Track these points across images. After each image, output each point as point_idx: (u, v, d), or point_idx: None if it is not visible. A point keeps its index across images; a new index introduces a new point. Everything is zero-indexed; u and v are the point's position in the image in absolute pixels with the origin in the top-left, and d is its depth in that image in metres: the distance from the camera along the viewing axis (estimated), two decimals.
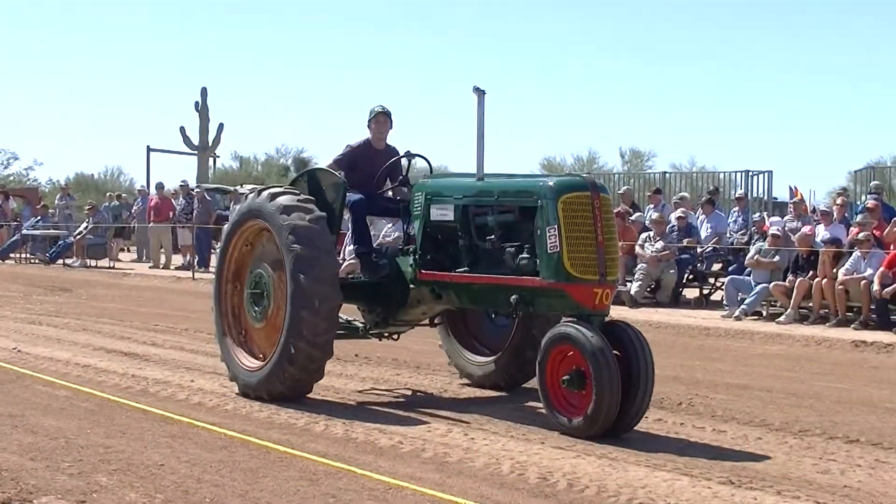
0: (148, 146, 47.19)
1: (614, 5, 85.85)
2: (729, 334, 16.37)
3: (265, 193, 10.03)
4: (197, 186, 32.63)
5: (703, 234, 20.99)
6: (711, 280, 20.69)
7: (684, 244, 20.23)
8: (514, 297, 9.08)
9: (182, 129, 47.26)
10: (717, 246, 20.76)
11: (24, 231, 33.28)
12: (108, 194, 38.55)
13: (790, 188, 27.41)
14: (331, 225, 9.84)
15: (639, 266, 19.90)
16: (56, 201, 36.88)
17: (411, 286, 10.05)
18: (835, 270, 17.01)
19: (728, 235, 21.22)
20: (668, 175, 32.59)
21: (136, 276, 27.46)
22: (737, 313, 17.87)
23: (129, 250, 35.12)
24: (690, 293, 20.65)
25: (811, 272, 17.31)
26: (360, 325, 10.77)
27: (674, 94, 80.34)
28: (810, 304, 17.30)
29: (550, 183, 9.01)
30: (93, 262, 30.55)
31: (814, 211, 21.83)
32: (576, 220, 8.74)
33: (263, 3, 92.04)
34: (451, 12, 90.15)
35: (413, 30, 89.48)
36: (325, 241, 9.60)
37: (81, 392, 10.25)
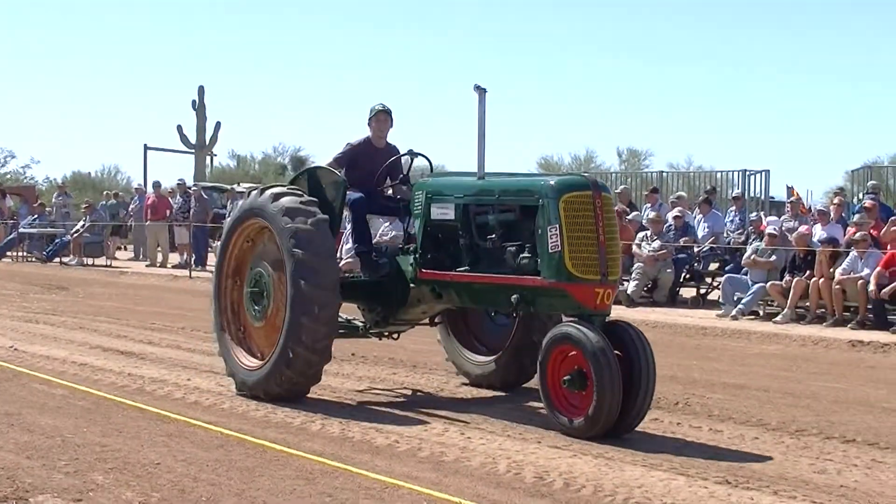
0: (145, 144, 47.18)
1: (612, 5, 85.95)
2: (726, 334, 16.37)
3: (268, 193, 9.96)
4: (194, 185, 32.58)
5: (700, 234, 20.99)
6: (708, 279, 20.68)
7: (681, 244, 20.24)
8: (514, 296, 9.06)
9: (179, 128, 47.18)
10: (714, 245, 20.77)
11: (21, 229, 33.24)
12: (105, 193, 38.53)
13: (787, 188, 27.40)
14: (331, 224, 9.81)
15: (636, 265, 19.90)
16: (53, 199, 36.84)
17: (412, 285, 10.03)
18: (832, 270, 17.02)
19: (725, 235, 21.22)
20: (665, 174, 32.57)
21: (133, 274, 27.46)
22: (733, 313, 17.88)
23: (125, 249, 35.10)
24: (687, 293, 20.65)
25: (808, 272, 17.32)
26: (360, 324, 10.75)
27: (671, 93, 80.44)
28: (807, 304, 17.31)
29: (552, 182, 8.98)
30: (89, 261, 30.54)
31: (809, 210, 21.83)
32: (577, 220, 8.71)
33: (261, 2, 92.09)
34: (450, 12, 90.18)
35: (412, 29, 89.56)
36: (326, 247, 9.56)
37: (78, 390, 10.25)
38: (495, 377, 10.75)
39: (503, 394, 10.60)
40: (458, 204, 9.69)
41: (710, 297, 20.25)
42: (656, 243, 19.99)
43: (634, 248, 20.09)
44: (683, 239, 20.37)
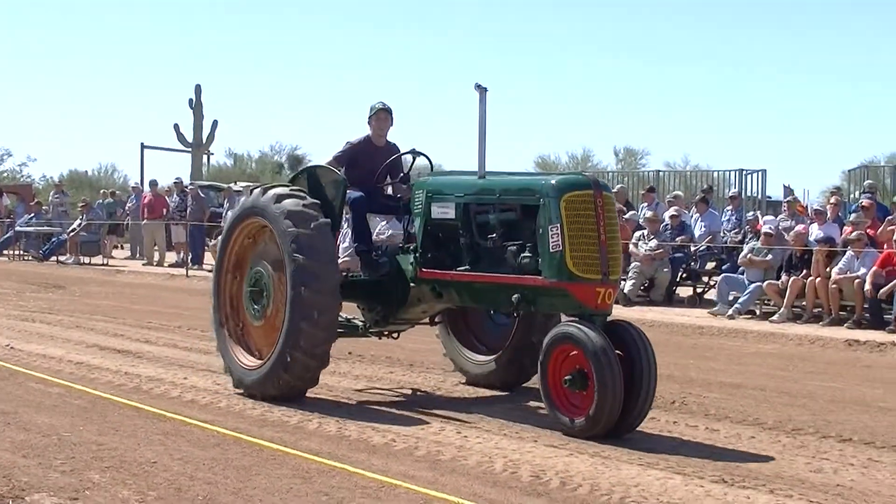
0: (142, 143, 47.32)
1: (608, 5, 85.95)
2: (722, 333, 16.38)
3: (271, 194, 9.84)
4: (191, 183, 32.61)
5: (696, 233, 20.99)
6: (705, 279, 20.69)
7: (678, 243, 20.24)
8: (515, 296, 9.04)
9: (176, 127, 47.26)
10: (711, 245, 20.78)
11: (18, 228, 33.22)
12: (101, 191, 38.46)
13: (784, 187, 27.46)
14: (331, 223, 9.78)
15: (632, 265, 19.90)
16: (50, 198, 36.82)
17: (412, 284, 9.99)
18: (828, 269, 17.04)
19: (721, 234, 21.23)
20: (661, 173, 32.59)
21: (130, 273, 27.44)
22: (730, 312, 17.90)
23: (122, 247, 35.07)
24: (684, 292, 20.65)
25: (805, 271, 17.34)
26: (360, 323, 10.70)
27: (668, 92, 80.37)
28: (804, 303, 17.33)
29: (553, 181, 8.95)
30: (86, 260, 30.53)
31: (805, 210, 21.86)
32: (578, 219, 8.69)
33: (259, 1, 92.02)
34: (448, 12, 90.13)
35: (410, 28, 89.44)
36: (328, 252, 9.50)
37: (74, 389, 10.24)
38: (495, 377, 10.73)
39: (500, 393, 10.59)
40: (458, 203, 9.66)
41: (706, 296, 20.26)
42: (653, 242, 20.00)
43: (631, 247, 20.09)
44: (680, 238, 20.38)
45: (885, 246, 16.94)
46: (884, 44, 75.01)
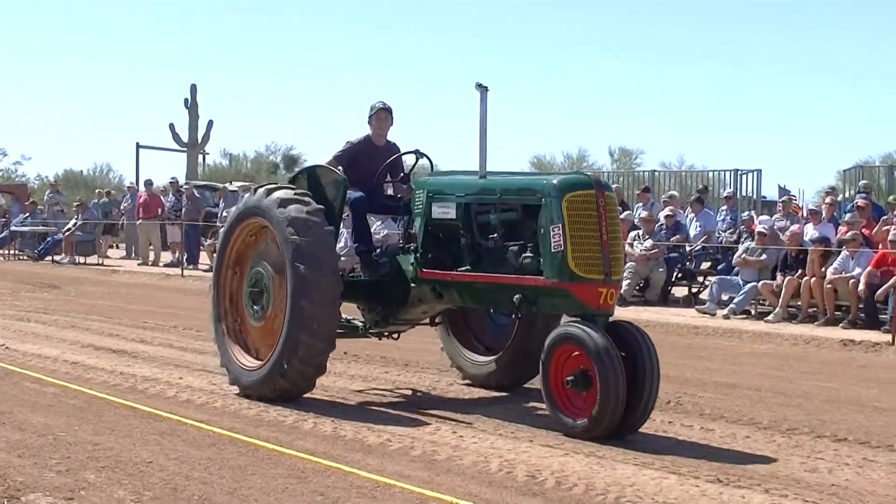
0: (137, 143, 47.10)
1: (604, 5, 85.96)
2: (717, 333, 16.39)
3: (274, 196, 9.72)
4: (186, 183, 32.60)
5: (692, 233, 21.01)
6: (700, 279, 20.71)
7: (673, 243, 20.26)
8: (517, 296, 8.99)
9: (171, 126, 47.19)
10: (706, 245, 20.79)
11: (13, 227, 33.20)
12: (97, 191, 38.43)
13: (779, 187, 27.49)
14: (331, 223, 9.70)
15: (628, 264, 19.89)
16: (45, 198, 36.78)
17: (412, 285, 9.96)
18: (823, 269, 17.06)
19: (717, 234, 21.25)
20: (657, 173, 32.61)
21: (125, 273, 27.43)
22: (725, 312, 17.92)
23: (118, 247, 35.05)
24: (679, 292, 20.67)
25: (800, 271, 17.35)
26: (360, 324, 10.67)
27: (663, 93, 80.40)
28: (799, 303, 17.35)
29: (555, 181, 8.91)
30: (82, 259, 30.52)
31: (800, 209, 21.89)
32: (580, 219, 8.64)
33: (255, 1, 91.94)
34: (448, 12, 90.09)
35: (410, 28, 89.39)
36: (329, 262, 9.44)
37: (70, 389, 10.23)
38: (496, 377, 10.70)
39: (495, 393, 10.59)
40: (459, 203, 9.62)
41: (701, 296, 20.27)
42: (648, 242, 20.02)
43: (626, 247, 20.09)
44: (675, 238, 20.40)
45: (880, 246, 16.96)
46: (880, 44, 75.15)
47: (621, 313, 15.93)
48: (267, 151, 63.26)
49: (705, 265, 20.85)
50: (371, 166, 10.48)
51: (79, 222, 31.19)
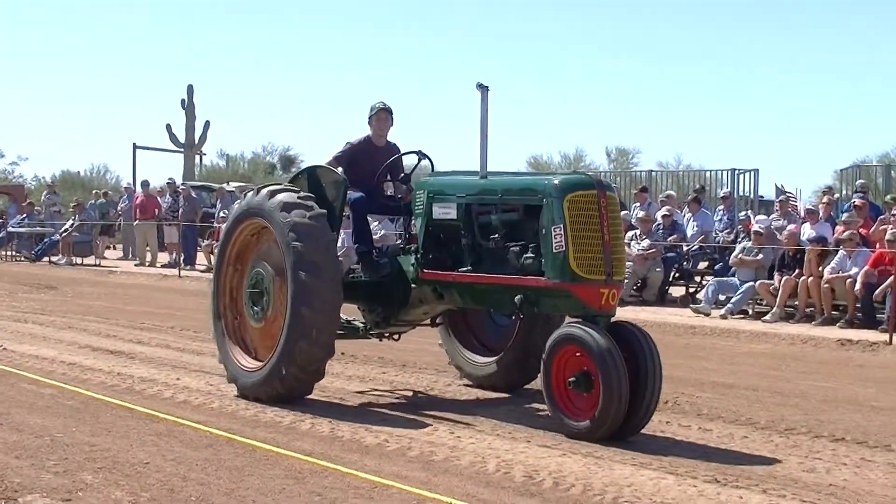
0: (134, 144, 47.14)
1: (601, 5, 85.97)
2: (715, 333, 16.40)
3: (278, 200, 9.65)
4: (183, 184, 32.60)
5: (689, 233, 21.02)
6: (697, 278, 20.72)
7: (670, 243, 20.26)
8: (518, 297, 8.95)
9: (168, 127, 47.15)
10: (703, 244, 20.80)
11: (10, 228, 33.20)
12: (94, 192, 38.46)
13: (776, 186, 27.46)
14: (331, 223, 9.67)
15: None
16: (42, 199, 36.77)
17: (413, 286, 9.93)
18: (820, 269, 17.07)
19: (714, 234, 21.25)
20: (654, 173, 32.61)
21: (122, 273, 27.43)
22: (723, 312, 17.93)
23: (114, 248, 35.04)
24: (676, 291, 20.68)
25: (797, 271, 17.36)
26: (361, 325, 10.65)
27: (660, 92, 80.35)
28: (796, 303, 17.36)
29: (556, 181, 8.87)
30: (78, 260, 30.51)
31: (795, 206, 21.90)
32: (582, 219, 8.61)
33: (252, 2, 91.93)
34: (448, 12, 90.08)
35: (410, 28, 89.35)
36: (332, 271, 9.40)
37: (67, 390, 10.23)
38: (496, 378, 10.67)
39: (493, 393, 10.59)
40: (460, 203, 9.58)
41: (699, 295, 20.27)
42: (645, 242, 20.02)
43: None
44: (672, 238, 20.41)
45: (877, 245, 16.97)
46: (877, 43, 75.13)
47: (619, 313, 15.94)
48: (264, 152, 63.29)
49: (702, 265, 20.86)
50: (371, 167, 10.45)
51: (76, 223, 31.19)
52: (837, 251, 17.14)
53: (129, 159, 46.70)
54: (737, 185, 27.04)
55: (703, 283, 20.23)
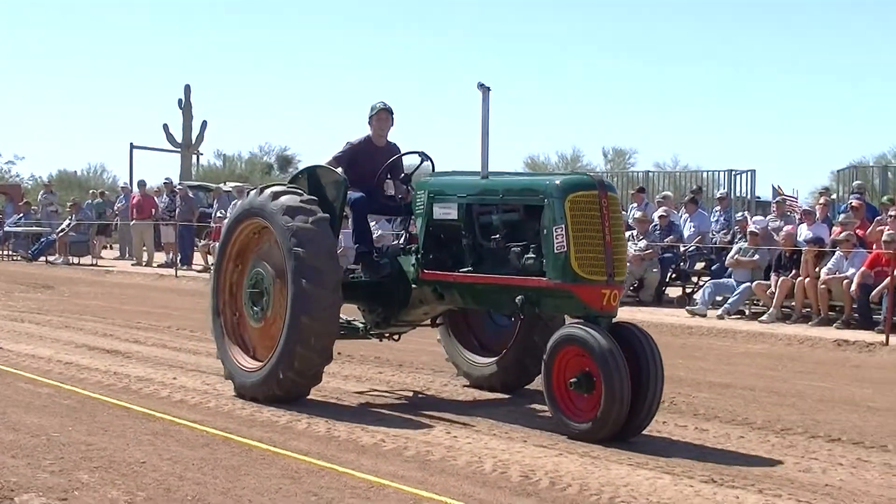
0: (131, 143, 47.25)
1: (598, 5, 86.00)
2: (711, 333, 16.41)
3: (282, 203, 9.60)
4: (180, 184, 32.59)
5: (686, 234, 21.02)
6: (694, 279, 20.73)
7: (667, 243, 20.27)
8: (519, 297, 8.93)
9: (165, 127, 47.19)
10: (700, 245, 20.81)
11: (7, 228, 33.18)
12: (90, 191, 38.38)
13: (773, 187, 27.49)
14: (332, 224, 9.64)
15: None
16: (39, 198, 36.76)
17: (413, 286, 9.90)
18: (817, 270, 17.08)
19: (711, 235, 21.26)
20: (651, 174, 32.63)
21: (119, 273, 27.41)
22: (720, 312, 17.94)
23: (111, 248, 35.03)
24: (673, 292, 20.70)
25: (794, 271, 17.37)
26: (361, 325, 10.63)
27: (657, 93, 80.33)
28: (793, 304, 17.37)
29: (557, 181, 8.85)
30: (75, 260, 30.49)
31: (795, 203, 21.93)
32: (583, 220, 8.59)
33: (249, 1, 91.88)
34: (448, 12, 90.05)
35: (410, 28, 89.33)
36: (332, 279, 9.37)
37: (63, 389, 10.22)
38: (496, 378, 10.64)
39: (490, 393, 10.58)
40: (461, 203, 9.55)
41: (695, 296, 20.28)
42: (642, 243, 20.03)
43: None
44: (669, 238, 20.42)
45: (874, 246, 16.98)
46: (874, 44, 75.18)
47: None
48: (261, 152, 63.18)
49: (699, 265, 20.86)
50: (371, 167, 10.42)
51: (72, 223, 31.18)
52: (834, 252, 17.16)
53: (126, 159, 46.85)
54: (734, 185, 27.07)
55: (700, 283, 20.24)
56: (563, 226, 8.57)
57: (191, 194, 30.57)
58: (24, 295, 21.25)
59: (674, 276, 20.68)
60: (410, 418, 9.14)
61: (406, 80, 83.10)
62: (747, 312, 18.21)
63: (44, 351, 12.79)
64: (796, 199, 25.01)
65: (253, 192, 10.14)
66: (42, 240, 31.85)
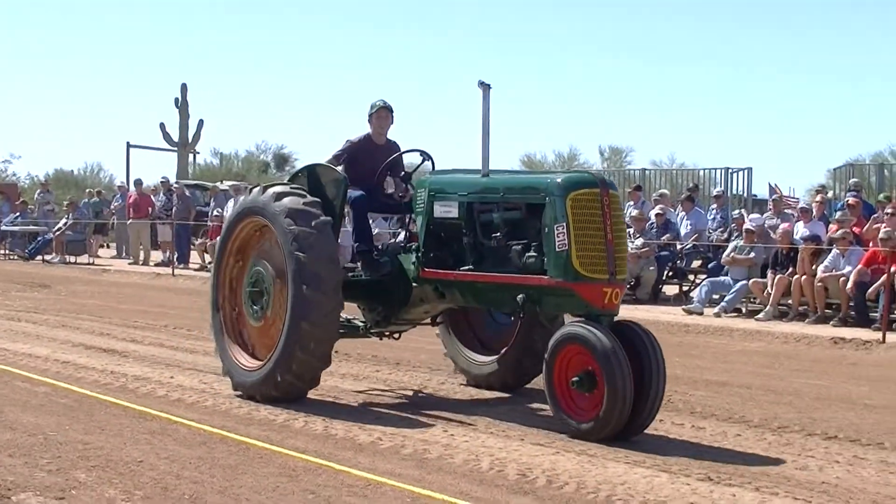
0: (128, 142, 47.07)
1: (595, 5, 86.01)
2: (708, 331, 16.42)
3: (285, 205, 9.54)
4: (176, 183, 32.56)
5: (682, 232, 21.03)
6: (691, 277, 20.74)
7: (664, 241, 20.28)
8: (520, 296, 8.91)
9: (162, 126, 47.14)
10: (697, 243, 20.82)
11: (3, 227, 33.14)
12: (87, 190, 38.37)
13: (770, 185, 27.51)
14: (332, 221, 9.64)
15: None
16: (35, 197, 36.72)
17: (414, 284, 9.88)
18: (814, 267, 17.08)
19: (707, 233, 21.27)
20: (647, 172, 32.58)
21: (116, 272, 27.37)
22: (716, 310, 17.95)
23: (108, 246, 34.99)
24: (670, 290, 20.70)
25: (791, 269, 17.38)
26: (361, 324, 10.59)
27: (654, 91, 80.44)
28: (789, 301, 17.37)
29: (559, 179, 8.83)
30: (72, 259, 30.44)
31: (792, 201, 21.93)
32: (585, 218, 8.57)
33: (246, 1, 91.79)
34: (448, 11, 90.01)
35: (410, 28, 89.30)
36: (332, 283, 9.35)
37: (60, 388, 10.22)
38: (497, 377, 10.63)
39: (487, 391, 10.59)
40: (461, 202, 9.53)
41: (692, 294, 20.30)
42: (639, 241, 20.03)
43: None
44: (666, 237, 20.43)
45: (871, 244, 16.99)
46: (871, 43, 75.24)
47: None
48: (258, 150, 63.22)
49: (696, 263, 20.89)
50: (371, 165, 10.40)
51: (69, 222, 31.13)
52: (831, 250, 17.16)
53: (123, 158, 46.68)
54: (730, 183, 27.06)
55: (697, 281, 20.26)
56: (565, 224, 8.55)
57: (187, 193, 30.52)
58: (20, 294, 21.24)
59: (670, 274, 20.69)
60: (408, 416, 9.14)
61: (406, 79, 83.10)
62: (744, 310, 18.21)
63: (41, 350, 12.78)
64: (798, 200, 25.05)
65: (256, 190, 10.09)
66: (39, 239, 31.81)
